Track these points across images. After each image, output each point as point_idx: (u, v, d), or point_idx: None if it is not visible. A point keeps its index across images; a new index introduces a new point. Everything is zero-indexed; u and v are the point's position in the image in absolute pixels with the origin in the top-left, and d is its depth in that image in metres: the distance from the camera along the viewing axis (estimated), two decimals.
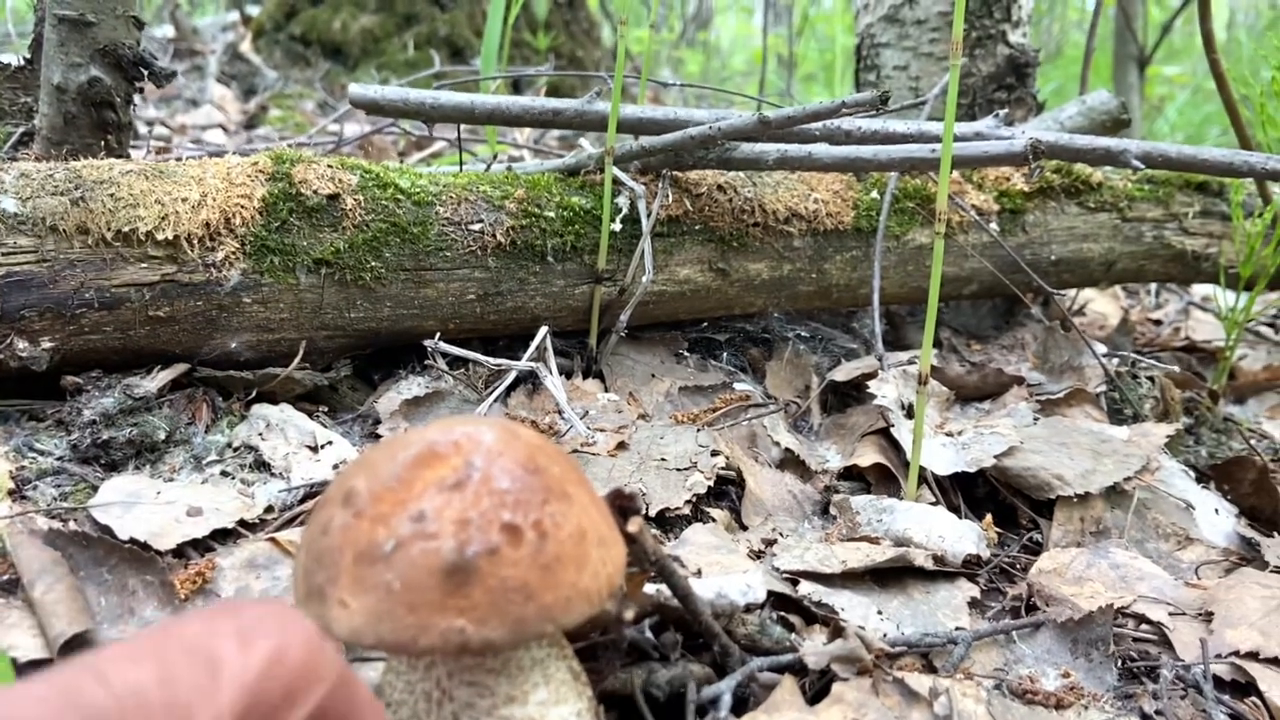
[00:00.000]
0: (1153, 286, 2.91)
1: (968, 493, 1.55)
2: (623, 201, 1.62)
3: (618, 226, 1.61)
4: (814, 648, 0.99)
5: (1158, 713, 1.02)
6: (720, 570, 1.14)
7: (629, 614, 0.88)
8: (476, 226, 1.52)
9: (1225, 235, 2.14)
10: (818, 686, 0.98)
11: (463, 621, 0.60)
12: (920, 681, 0.96)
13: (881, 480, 1.55)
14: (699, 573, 1.03)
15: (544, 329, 1.53)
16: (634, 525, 0.81)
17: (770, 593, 1.08)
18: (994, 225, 1.89)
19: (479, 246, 1.52)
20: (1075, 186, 1.99)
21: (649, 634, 0.97)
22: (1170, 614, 1.25)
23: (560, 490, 0.68)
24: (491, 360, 1.50)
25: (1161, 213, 2.09)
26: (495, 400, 1.52)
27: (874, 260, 1.75)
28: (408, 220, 1.48)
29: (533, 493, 0.65)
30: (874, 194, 1.83)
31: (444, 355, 1.52)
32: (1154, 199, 2.09)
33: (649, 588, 1.02)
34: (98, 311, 1.30)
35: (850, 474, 1.58)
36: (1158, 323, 2.71)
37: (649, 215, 1.60)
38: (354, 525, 0.63)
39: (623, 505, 0.81)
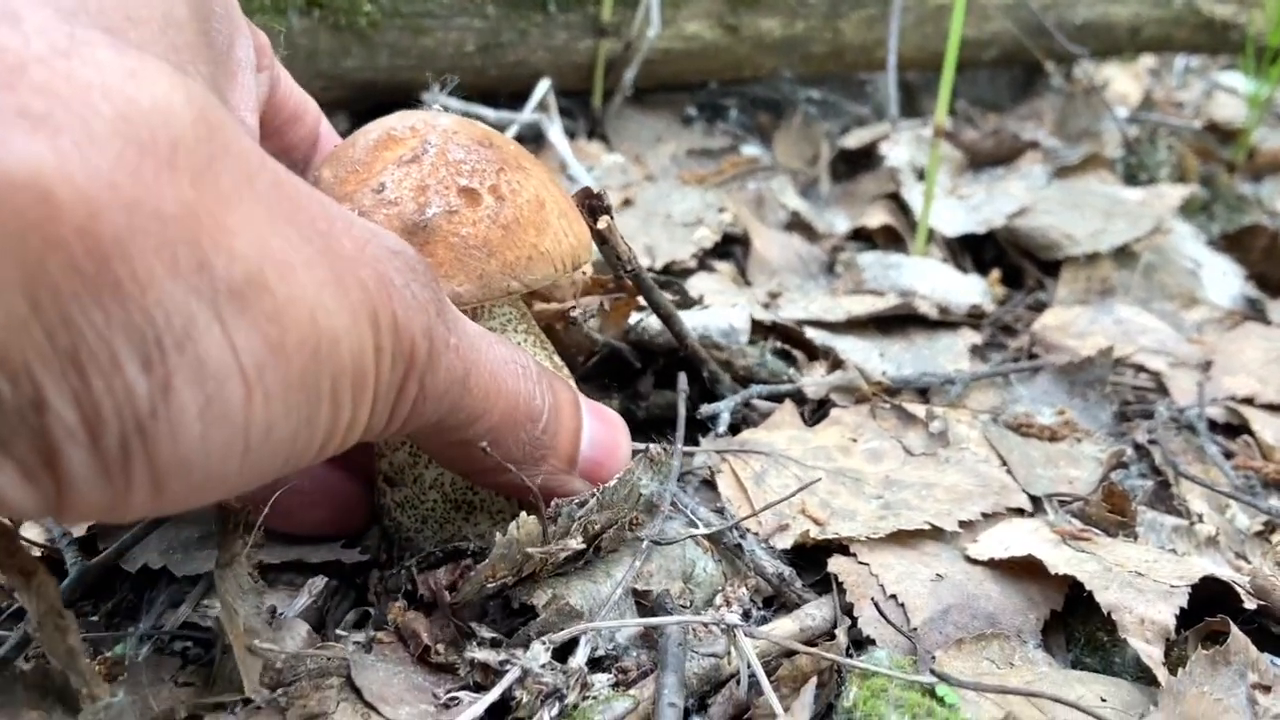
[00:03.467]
0: (1178, 67, 2.81)
1: (977, 256, 1.53)
2: None
3: None
4: (813, 379, 1.00)
5: (1150, 442, 1.03)
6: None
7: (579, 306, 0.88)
8: None
9: (1255, 2, 2.04)
10: (817, 415, 0.99)
11: None
12: (916, 407, 0.97)
13: (889, 242, 1.54)
14: (701, 299, 1.02)
15: (546, 80, 1.49)
16: (603, 223, 0.80)
17: (774, 325, 1.08)
18: None
19: None
20: None
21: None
22: (1170, 364, 1.26)
23: (516, 163, 0.68)
24: (493, 113, 1.46)
25: None
26: None
27: (892, 18, 1.68)
28: None
29: (488, 163, 0.66)
30: None
31: (444, 109, 1.48)
32: None
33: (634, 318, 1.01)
34: None
35: (858, 236, 1.57)
36: (1180, 105, 2.62)
37: None
38: None
39: (591, 204, 0.80)
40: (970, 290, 1.32)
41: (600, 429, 0.67)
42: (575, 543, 0.66)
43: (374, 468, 0.74)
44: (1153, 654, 0.67)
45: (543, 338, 0.78)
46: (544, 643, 0.64)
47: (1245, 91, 2.01)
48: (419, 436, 0.60)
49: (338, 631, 0.68)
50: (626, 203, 1.46)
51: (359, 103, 1.52)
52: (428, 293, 0.52)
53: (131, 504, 0.41)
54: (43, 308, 0.36)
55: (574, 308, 0.89)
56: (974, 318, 1.31)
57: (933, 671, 0.60)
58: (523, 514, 0.64)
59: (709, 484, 0.86)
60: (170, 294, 0.38)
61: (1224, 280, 1.47)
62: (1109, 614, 0.69)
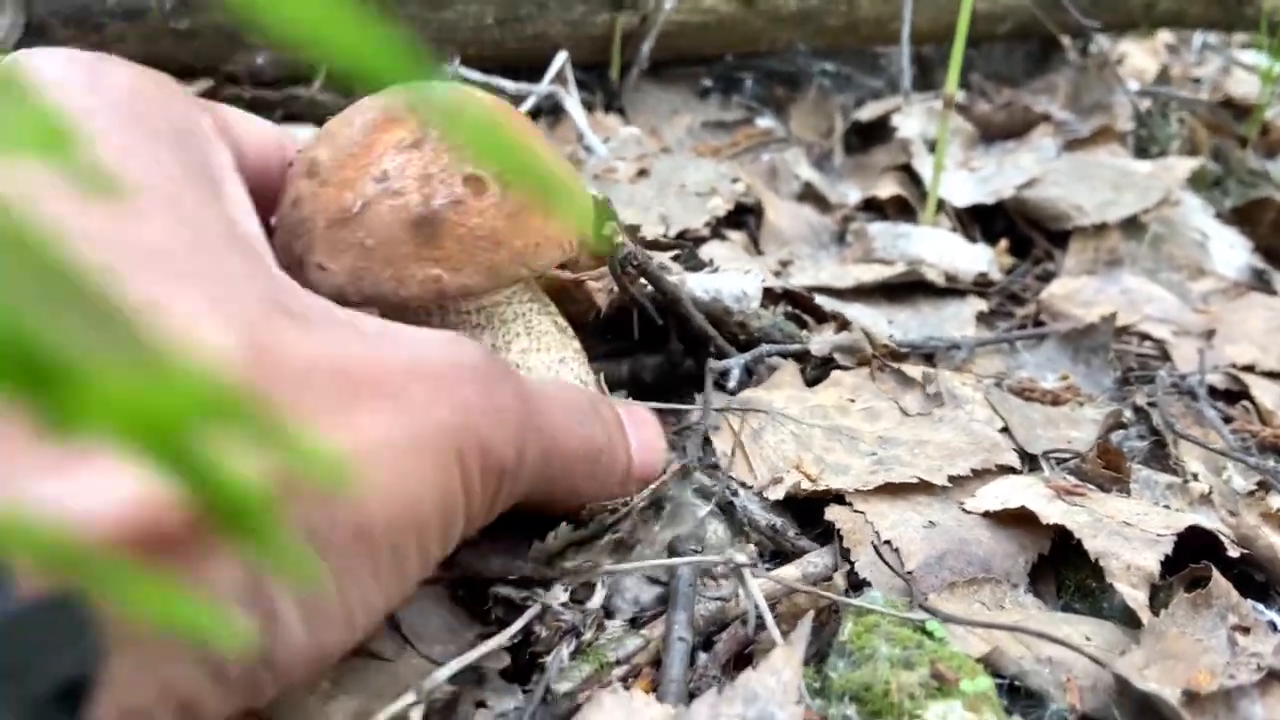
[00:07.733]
0: (1195, 43, 2.80)
1: (986, 227, 1.56)
2: None
3: None
4: (820, 338, 1.03)
5: (1150, 405, 1.06)
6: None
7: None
8: None
9: None
10: (818, 375, 1.02)
11: (438, 270, 0.62)
12: (915, 370, 1.00)
13: (900, 212, 1.56)
14: (711, 262, 1.05)
15: (563, 53, 1.52)
16: (609, 229, 0.83)
17: (785, 292, 1.11)
18: None
19: None
20: None
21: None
22: (1174, 332, 1.28)
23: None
24: (512, 84, 1.50)
25: None
26: None
27: None
28: None
29: None
30: None
31: (463, 80, 1.51)
32: None
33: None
34: (121, 22, 1.30)
35: (869, 207, 1.59)
36: (1197, 80, 2.62)
37: None
38: (321, 193, 0.64)
39: (599, 210, 0.82)
40: (978, 259, 1.35)
41: (641, 433, 0.68)
42: (607, 561, 0.70)
43: None
44: (1137, 597, 0.70)
45: (561, 323, 0.78)
46: (564, 585, 0.69)
47: (1261, 68, 2.01)
48: None
49: None
50: (642, 173, 1.49)
51: None
52: (507, 391, 0.52)
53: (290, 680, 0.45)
54: None
55: (588, 278, 0.93)
56: (981, 286, 1.34)
57: (922, 607, 0.63)
58: (563, 524, 0.67)
59: (706, 440, 0.89)
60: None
61: (1231, 252, 1.49)
62: (1096, 560, 0.72)
